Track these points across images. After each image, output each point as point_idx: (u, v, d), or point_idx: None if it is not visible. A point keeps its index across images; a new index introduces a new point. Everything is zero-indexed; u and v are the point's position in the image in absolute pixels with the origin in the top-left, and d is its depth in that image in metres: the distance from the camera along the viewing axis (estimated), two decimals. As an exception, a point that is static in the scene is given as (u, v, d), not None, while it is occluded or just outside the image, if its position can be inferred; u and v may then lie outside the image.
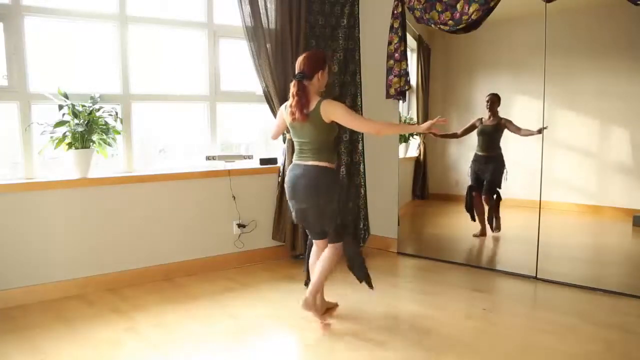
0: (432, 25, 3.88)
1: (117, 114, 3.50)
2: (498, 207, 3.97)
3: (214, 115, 4.04)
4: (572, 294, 3.32)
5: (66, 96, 3.29)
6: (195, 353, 2.53)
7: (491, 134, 3.92)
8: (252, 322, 2.89)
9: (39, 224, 3.23)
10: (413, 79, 4.33)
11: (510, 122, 3.79)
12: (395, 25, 4.11)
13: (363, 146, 4.56)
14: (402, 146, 4.45)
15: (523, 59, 3.79)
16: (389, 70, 4.17)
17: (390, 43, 4.15)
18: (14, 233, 3.16)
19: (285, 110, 2.79)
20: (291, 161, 2.93)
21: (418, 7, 3.93)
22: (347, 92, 4.47)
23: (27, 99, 3.30)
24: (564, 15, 3.46)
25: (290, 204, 2.85)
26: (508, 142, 3.91)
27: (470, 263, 4.02)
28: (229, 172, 3.95)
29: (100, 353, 2.51)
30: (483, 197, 4.03)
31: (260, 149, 4.34)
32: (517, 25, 3.79)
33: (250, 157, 4.05)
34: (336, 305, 3.09)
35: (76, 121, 3.26)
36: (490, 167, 3.99)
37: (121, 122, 3.58)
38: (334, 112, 2.64)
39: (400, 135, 4.39)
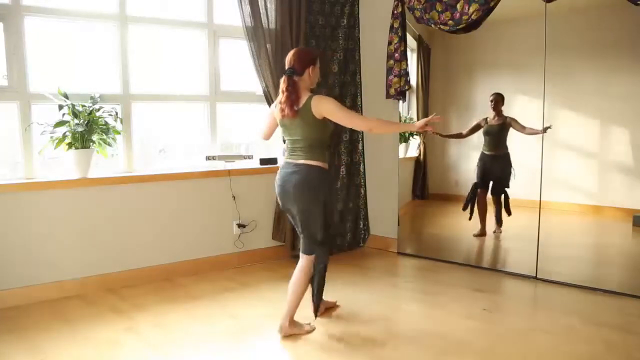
0: (432, 25, 3.88)
1: (117, 114, 3.50)
2: (508, 206, 3.95)
3: (214, 115, 4.04)
4: (572, 294, 3.32)
5: (66, 96, 3.29)
6: (195, 353, 2.52)
7: (497, 134, 3.92)
8: (252, 322, 2.89)
9: (39, 224, 3.23)
10: (413, 79, 4.33)
11: (515, 120, 3.79)
12: (395, 25, 4.11)
13: (363, 146, 4.57)
14: (402, 146, 4.45)
15: (523, 59, 3.79)
16: (389, 70, 4.17)
17: (390, 43, 4.14)
18: (14, 233, 3.16)
19: (275, 108, 2.70)
20: None
21: (418, 7, 3.93)
22: (347, 92, 4.47)
23: (27, 99, 3.30)
24: (564, 15, 3.46)
25: (280, 203, 2.77)
26: (508, 142, 3.90)
27: (470, 263, 4.02)
28: (229, 172, 3.95)
29: (100, 353, 2.51)
30: (491, 196, 4.03)
31: (260, 149, 4.34)
32: (517, 25, 3.79)
33: (250, 157, 4.05)
34: (335, 304, 3.08)
35: (76, 121, 3.26)
36: (497, 166, 3.99)
37: (121, 122, 3.58)
38: (325, 107, 2.55)
39: (400, 135, 4.39)
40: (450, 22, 3.72)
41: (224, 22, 4.02)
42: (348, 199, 4.52)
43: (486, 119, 3.96)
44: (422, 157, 4.49)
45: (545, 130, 3.55)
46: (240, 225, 4.02)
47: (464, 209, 4.09)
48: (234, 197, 3.97)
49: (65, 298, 3.28)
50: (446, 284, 3.55)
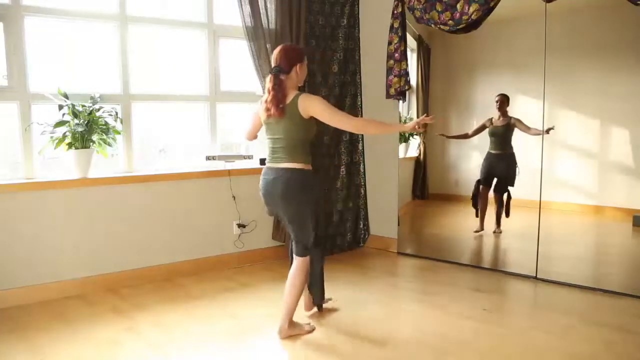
0: (432, 25, 3.88)
1: (117, 114, 3.50)
2: (509, 207, 3.95)
3: (214, 115, 4.04)
4: (572, 294, 3.32)
5: (66, 96, 3.29)
6: (195, 353, 2.52)
7: (502, 134, 3.92)
8: (252, 322, 2.89)
9: (39, 224, 3.23)
10: (413, 79, 4.33)
11: (519, 121, 3.79)
12: (395, 25, 4.11)
13: (363, 146, 4.57)
14: (402, 146, 4.45)
15: (523, 59, 3.79)
16: (389, 70, 4.17)
17: (390, 43, 4.14)
18: (14, 233, 3.16)
19: (260, 107, 2.61)
20: None
21: (418, 7, 3.93)
22: (347, 92, 4.47)
23: (27, 99, 3.30)
24: (564, 15, 3.46)
25: (268, 208, 2.72)
26: (508, 142, 3.92)
27: (470, 263, 4.02)
28: (229, 172, 3.95)
29: (100, 353, 2.51)
30: (494, 195, 4.03)
31: (260, 149, 4.33)
32: (517, 25, 3.79)
33: (250, 157, 4.05)
34: (328, 299, 3.08)
35: (76, 121, 3.26)
36: (502, 165, 3.99)
37: (121, 122, 3.58)
38: (312, 106, 2.47)
39: (400, 135, 4.39)
40: (450, 22, 3.72)
41: (224, 22, 4.02)
42: (348, 199, 4.52)
43: (491, 119, 3.95)
44: (422, 157, 4.49)
45: (548, 131, 3.55)
46: (240, 225, 4.02)
47: (473, 206, 4.09)
48: (234, 197, 3.97)
49: (65, 298, 3.28)
50: (446, 284, 3.55)
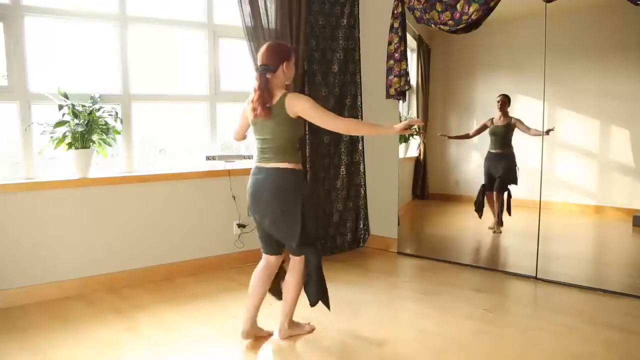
0: (432, 25, 3.88)
1: (117, 114, 3.50)
2: (509, 205, 3.95)
3: (214, 115, 4.04)
4: (572, 294, 3.32)
5: (66, 96, 3.29)
6: (195, 353, 2.52)
7: (503, 134, 3.93)
8: (252, 322, 2.89)
9: (39, 224, 3.23)
10: (413, 79, 4.33)
11: (520, 121, 3.79)
12: (395, 25, 4.11)
13: (363, 146, 4.57)
14: (402, 146, 4.45)
15: (523, 59, 3.79)
16: (389, 70, 4.17)
17: (390, 43, 4.14)
18: (14, 233, 3.16)
19: (247, 106, 2.55)
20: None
21: (418, 7, 3.93)
22: (347, 92, 4.47)
23: (27, 99, 3.30)
24: (564, 15, 3.46)
25: (251, 210, 2.59)
26: (508, 142, 3.92)
27: (470, 263, 4.02)
28: (229, 172, 3.95)
29: (100, 353, 2.51)
30: (494, 194, 4.03)
31: (260, 149, 4.33)
32: (517, 25, 3.79)
33: (250, 157, 4.05)
34: (270, 334, 2.75)
35: (76, 121, 3.26)
36: (502, 165, 3.99)
37: (121, 122, 3.58)
38: (299, 105, 2.40)
39: (400, 135, 4.39)
40: (450, 22, 3.72)
41: (224, 22, 4.02)
42: (348, 199, 4.52)
43: (492, 119, 3.96)
44: (422, 157, 4.49)
45: (547, 132, 3.55)
46: (240, 225, 4.02)
47: (476, 210, 4.08)
48: (234, 197, 3.97)
49: (66, 298, 3.28)
50: (446, 284, 3.55)
